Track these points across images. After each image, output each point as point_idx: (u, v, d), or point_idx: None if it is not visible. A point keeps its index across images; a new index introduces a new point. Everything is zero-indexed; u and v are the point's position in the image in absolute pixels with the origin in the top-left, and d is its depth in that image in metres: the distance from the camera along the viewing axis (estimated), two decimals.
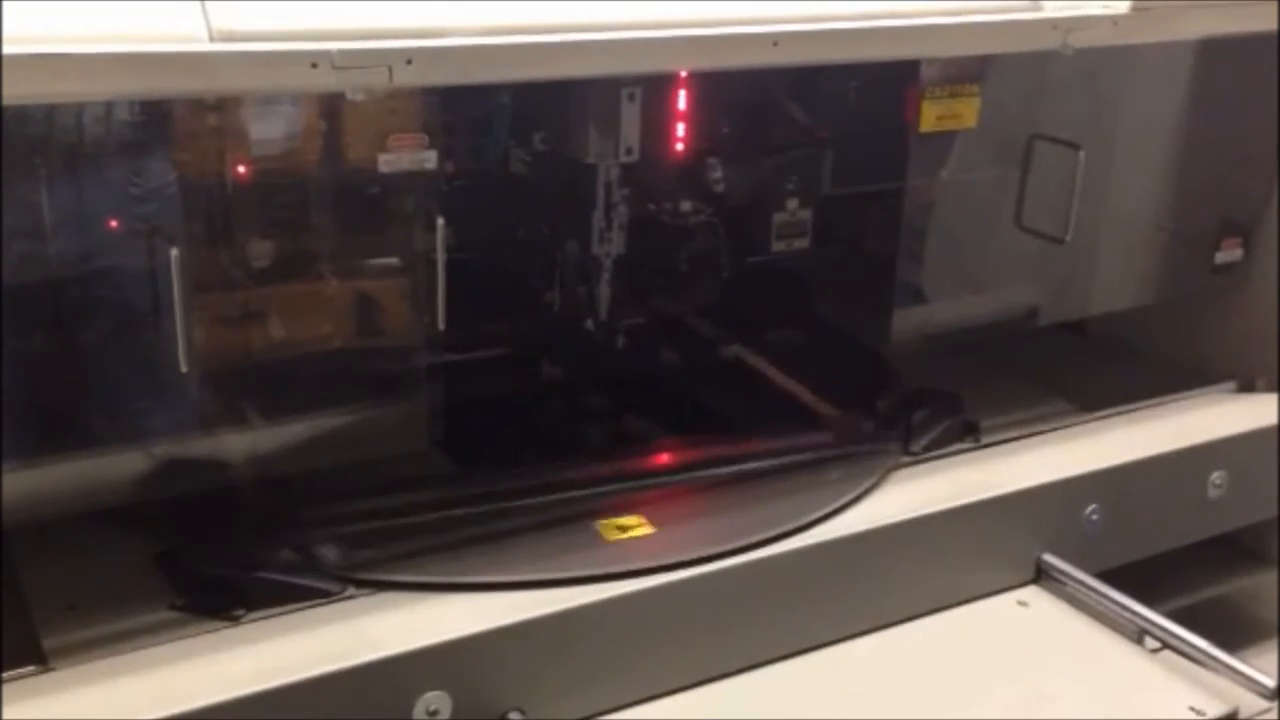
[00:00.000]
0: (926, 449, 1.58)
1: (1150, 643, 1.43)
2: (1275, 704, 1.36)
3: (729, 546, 1.32)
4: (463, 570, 1.27)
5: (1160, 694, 1.37)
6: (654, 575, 1.28)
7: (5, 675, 1.11)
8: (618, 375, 1.67)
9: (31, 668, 1.13)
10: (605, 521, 1.37)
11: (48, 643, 1.16)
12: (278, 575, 1.23)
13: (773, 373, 1.73)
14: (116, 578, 1.25)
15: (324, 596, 1.23)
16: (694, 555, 1.30)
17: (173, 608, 1.21)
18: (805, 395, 1.69)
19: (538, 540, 1.33)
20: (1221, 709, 1.35)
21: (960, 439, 1.61)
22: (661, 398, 1.67)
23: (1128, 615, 1.45)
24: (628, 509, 1.39)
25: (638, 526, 1.37)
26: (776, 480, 1.47)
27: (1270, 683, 1.34)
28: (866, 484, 1.47)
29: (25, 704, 1.09)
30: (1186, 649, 1.40)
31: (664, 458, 1.53)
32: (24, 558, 1.26)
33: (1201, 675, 1.39)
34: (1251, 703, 1.36)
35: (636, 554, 1.31)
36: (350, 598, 1.24)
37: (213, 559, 1.25)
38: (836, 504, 1.42)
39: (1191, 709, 1.34)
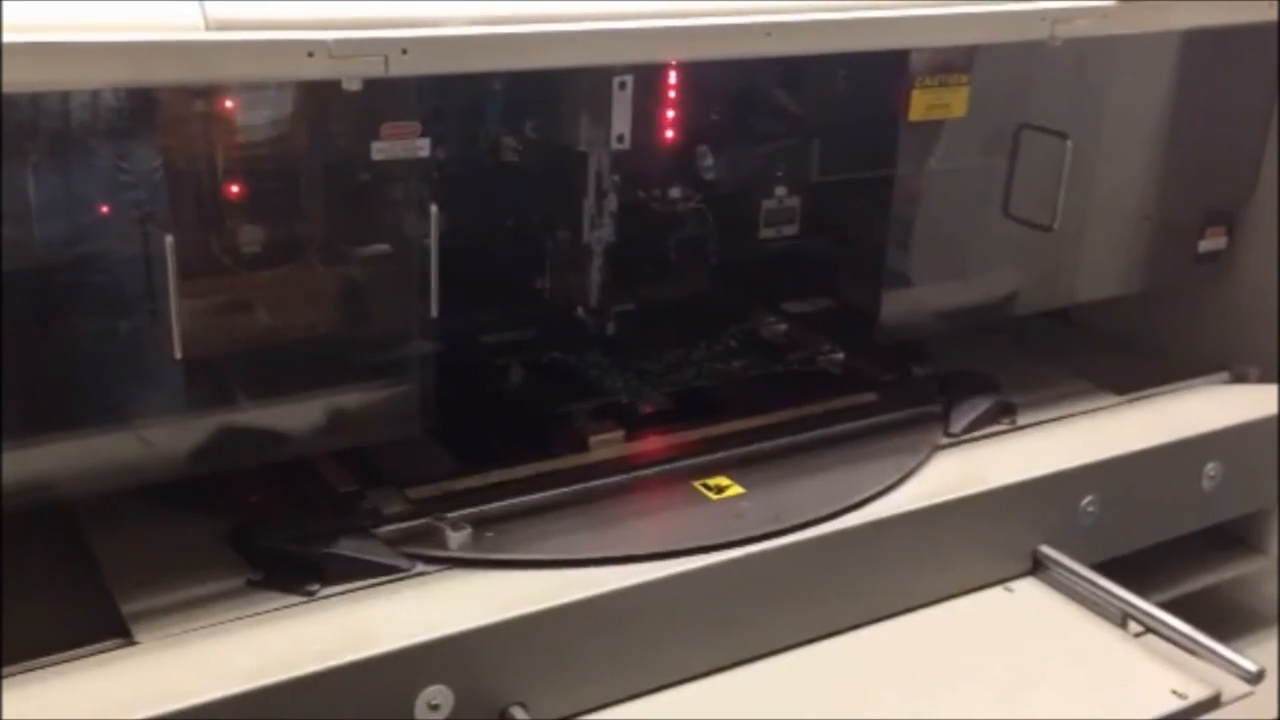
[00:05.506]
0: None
1: (1133, 627, 1.45)
2: (1256, 687, 1.37)
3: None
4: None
5: (1143, 677, 1.39)
6: (662, 561, 1.28)
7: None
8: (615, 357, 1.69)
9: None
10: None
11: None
12: (349, 552, 1.25)
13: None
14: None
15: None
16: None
17: (250, 583, 1.23)
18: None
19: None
20: (1204, 692, 1.36)
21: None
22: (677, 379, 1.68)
23: (1111, 600, 1.46)
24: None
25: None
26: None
27: (1252, 666, 1.35)
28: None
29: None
30: (1169, 633, 1.42)
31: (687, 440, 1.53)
32: (98, 535, 1.29)
33: (1184, 659, 1.40)
34: (1233, 686, 1.38)
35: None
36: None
37: (285, 535, 1.27)
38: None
39: (1174, 692, 1.36)
